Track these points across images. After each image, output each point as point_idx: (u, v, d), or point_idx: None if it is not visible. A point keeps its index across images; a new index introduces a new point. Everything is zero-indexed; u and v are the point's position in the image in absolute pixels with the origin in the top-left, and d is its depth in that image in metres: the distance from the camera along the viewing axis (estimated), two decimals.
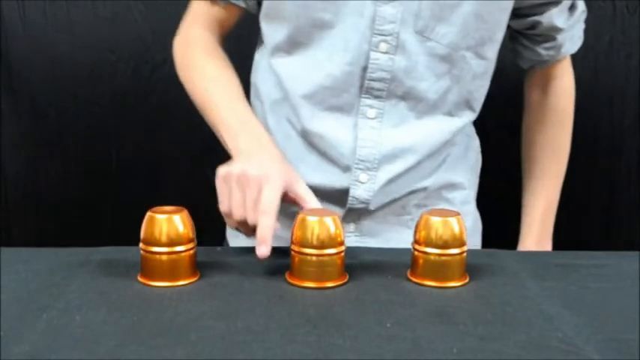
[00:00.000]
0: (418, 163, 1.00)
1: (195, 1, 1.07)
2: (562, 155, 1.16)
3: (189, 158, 1.44)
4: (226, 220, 0.88)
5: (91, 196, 1.43)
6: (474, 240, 1.10)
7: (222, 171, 0.87)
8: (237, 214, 0.85)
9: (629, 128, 1.40)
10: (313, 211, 0.81)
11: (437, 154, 1.02)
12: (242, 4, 1.05)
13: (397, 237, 1.02)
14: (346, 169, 0.99)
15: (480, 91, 1.04)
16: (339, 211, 1.02)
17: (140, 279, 0.80)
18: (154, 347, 0.64)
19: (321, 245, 0.78)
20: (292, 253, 0.80)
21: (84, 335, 0.66)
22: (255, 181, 0.83)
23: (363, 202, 1.00)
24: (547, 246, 1.17)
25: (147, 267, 0.79)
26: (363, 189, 0.99)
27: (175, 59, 1.08)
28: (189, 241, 0.80)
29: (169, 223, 0.78)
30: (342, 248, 0.80)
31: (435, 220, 0.80)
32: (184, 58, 1.06)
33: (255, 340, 0.65)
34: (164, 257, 0.78)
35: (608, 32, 1.35)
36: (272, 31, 1.01)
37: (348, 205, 1.00)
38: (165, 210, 0.80)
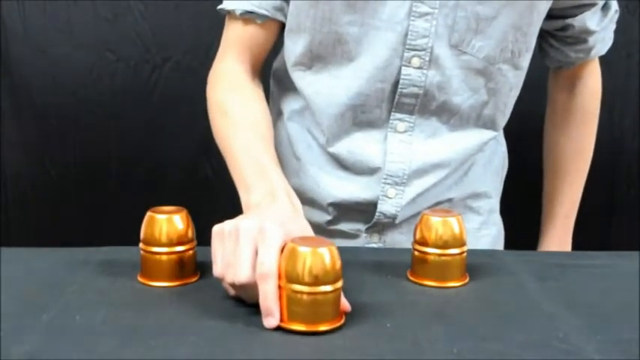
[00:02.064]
0: (446, 177, 0.98)
1: (227, 26, 1.00)
2: (586, 156, 1.14)
3: (189, 158, 1.44)
4: (223, 286, 0.74)
5: (90, 196, 1.43)
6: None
7: (215, 229, 0.74)
8: (227, 275, 0.70)
9: (629, 128, 1.40)
10: (305, 240, 0.68)
11: (466, 162, 1.00)
12: (281, 18, 0.97)
13: None
14: (374, 183, 0.97)
15: (514, 101, 1.02)
16: (363, 225, 1.01)
17: (140, 279, 0.79)
18: (154, 347, 0.63)
19: (315, 281, 0.65)
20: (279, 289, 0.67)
21: (84, 335, 0.66)
22: (247, 236, 0.69)
23: (389, 217, 0.98)
24: (567, 248, 1.16)
25: (147, 267, 0.79)
26: (390, 204, 0.97)
27: (207, 93, 1.00)
28: (189, 241, 0.80)
29: (169, 223, 0.78)
30: (340, 284, 0.67)
31: (435, 220, 0.80)
32: (210, 96, 0.98)
33: (255, 340, 0.65)
34: (164, 257, 0.78)
35: None
36: (292, 44, 0.97)
37: (374, 220, 0.99)
38: (165, 210, 0.80)
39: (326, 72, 0.95)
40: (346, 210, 1.01)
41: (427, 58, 0.91)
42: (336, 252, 0.67)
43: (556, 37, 1.05)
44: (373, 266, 0.86)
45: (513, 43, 0.93)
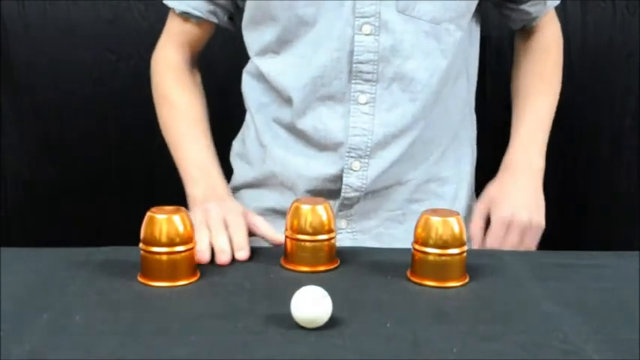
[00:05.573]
0: (409, 149, 1.01)
1: (170, 18, 1.11)
2: (547, 80, 1.13)
3: None
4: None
5: (90, 196, 1.43)
6: None
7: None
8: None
9: (629, 128, 1.40)
10: (306, 200, 0.86)
11: (426, 141, 1.03)
12: (214, 20, 1.08)
13: (388, 232, 1.04)
14: (338, 158, 1.00)
15: (467, 64, 1.06)
16: (333, 203, 1.02)
17: (140, 279, 0.80)
18: (154, 347, 0.64)
19: (314, 232, 0.83)
20: (287, 239, 0.85)
21: (84, 335, 0.66)
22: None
23: (356, 190, 1.01)
24: (536, 160, 1.07)
25: (147, 267, 0.79)
26: (355, 176, 1.00)
27: (151, 78, 1.12)
28: (189, 241, 0.80)
29: (169, 223, 0.78)
30: (334, 235, 0.85)
31: (435, 220, 0.80)
32: (156, 84, 1.11)
33: (255, 340, 0.65)
34: (164, 257, 0.78)
35: (608, 32, 1.35)
36: (258, 35, 1.03)
37: (342, 194, 1.01)
38: (166, 210, 0.80)
39: (291, 54, 1.00)
40: (316, 188, 1.03)
41: (377, 24, 0.96)
42: (330, 209, 0.85)
43: (512, 0, 1.10)
44: (373, 266, 0.86)
45: (455, 3, 0.98)
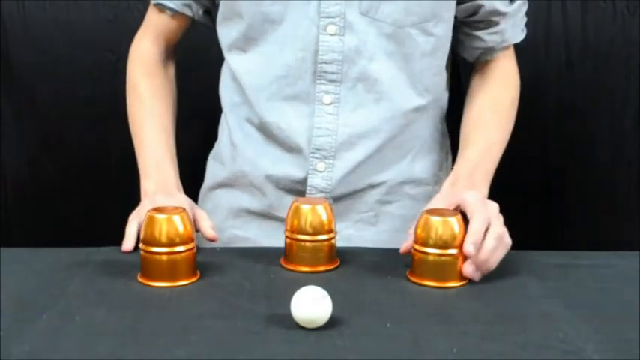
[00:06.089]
0: (378, 152, 1.00)
1: (149, 9, 1.12)
2: (502, 110, 1.06)
3: (189, 158, 1.43)
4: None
5: (91, 196, 1.43)
6: None
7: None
8: None
9: (629, 128, 1.40)
10: (306, 200, 0.87)
11: (397, 145, 1.02)
12: (189, 13, 1.08)
13: (358, 234, 1.03)
14: (303, 160, 1.00)
15: (434, 72, 1.03)
16: None
17: (140, 279, 0.80)
18: (154, 347, 0.64)
19: (314, 232, 0.84)
20: (287, 239, 0.86)
21: (84, 335, 0.66)
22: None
23: (321, 192, 1.00)
24: (479, 188, 0.94)
25: (147, 267, 0.79)
26: (320, 177, 1.00)
27: (127, 68, 1.13)
28: (190, 241, 0.80)
29: (169, 223, 0.78)
30: (334, 235, 0.86)
31: (435, 220, 0.80)
32: (129, 74, 1.11)
33: (255, 340, 0.65)
34: (164, 257, 0.78)
35: (608, 32, 1.35)
36: (227, 31, 1.04)
37: (306, 195, 1.01)
38: (166, 210, 0.80)
39: (257, 52, 1.01)
40: (283, 189, 1.03)
41: (342, 25, 0.96)
42: (330, 208, 0.86)
43: (469, 25, 1.07)
44: (373, 266, 0.86)
45: (417, 6, 0.97)
